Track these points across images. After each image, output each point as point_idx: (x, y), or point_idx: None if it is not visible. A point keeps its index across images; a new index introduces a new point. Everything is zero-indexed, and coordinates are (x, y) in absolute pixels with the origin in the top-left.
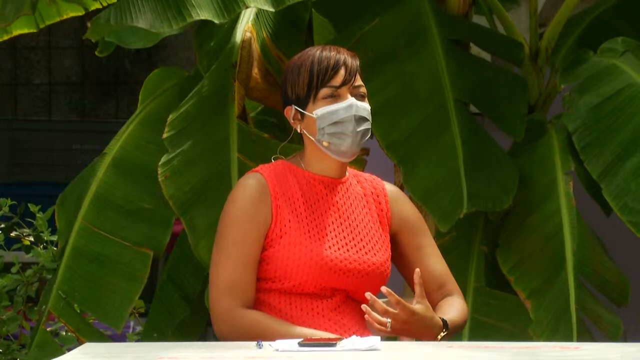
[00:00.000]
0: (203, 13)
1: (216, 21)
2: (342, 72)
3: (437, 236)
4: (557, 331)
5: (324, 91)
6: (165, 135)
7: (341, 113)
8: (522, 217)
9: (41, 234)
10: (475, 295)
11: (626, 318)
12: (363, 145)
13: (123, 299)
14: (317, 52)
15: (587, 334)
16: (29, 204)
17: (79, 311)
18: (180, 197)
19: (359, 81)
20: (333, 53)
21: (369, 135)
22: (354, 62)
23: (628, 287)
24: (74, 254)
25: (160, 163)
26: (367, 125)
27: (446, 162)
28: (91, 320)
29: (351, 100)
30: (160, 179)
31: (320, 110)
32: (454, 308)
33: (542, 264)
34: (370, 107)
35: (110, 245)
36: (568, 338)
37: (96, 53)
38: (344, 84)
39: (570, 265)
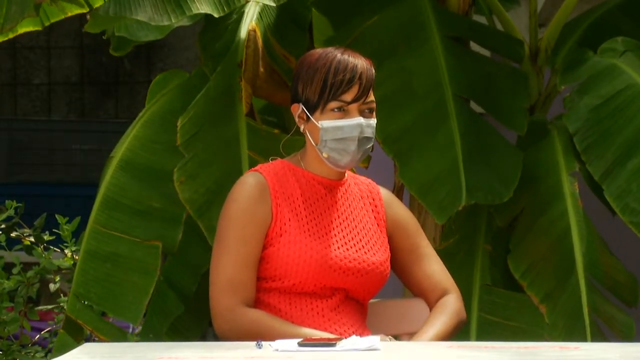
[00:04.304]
0: (202, 7)
1: (215, 15)
2: (355, 88)
3: (442, 238)
4: (572, 334)
5: (334, 104)
6: (179, 142)
7: (346, 131)
8: (530, 220)
9: (42, 234)
10: (481, 294)
11: (634, 317)
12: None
13: (138, 293)
14: (335, 59)
15: (600, 336)
16: (56, 215)
17: (95, 310)
18: (196, 200)
19: (371, 97)
20: (351, 65)
21: (369, 152)
22: (370, 75)
23: (637, 287)
24: (86, 257)
25: (175, 169)
26: (370, 144)
27: (444, 156)
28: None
29: (359, 119)
30: (175, 185)
31: (326, 123)
32: (443, 316)
33: (553, 267)
34: (375, 122)
35: (122, 244)
36: (583, 340)
37: (110, 51)
38: (355, 100)
39: (580, 268)
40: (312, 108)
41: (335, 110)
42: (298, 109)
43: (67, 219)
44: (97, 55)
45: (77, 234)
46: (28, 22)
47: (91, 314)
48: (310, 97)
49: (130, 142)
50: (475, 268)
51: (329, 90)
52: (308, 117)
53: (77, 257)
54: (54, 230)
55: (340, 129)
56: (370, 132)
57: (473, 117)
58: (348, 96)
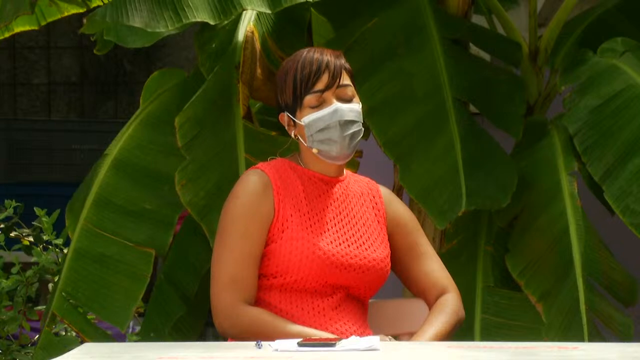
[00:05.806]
0: (199, 14)
1: (212, 23)
2: (325, 76)
3: (446, 240)
4: (569, 333)
5: (309, 98)
6: (180, 144)
7: (326, 119)
8: (529, 220)
9: (41, 234)
10: (484, 296)
11: (633, 318)
12: (357, 146)
13: (127, 298)
14: (301, 57)
15: (598, 335)
16: (35, 208)
17: (82, 312)
18: (197, 204)
19: (345, 80)
20: (316, 56)
21: (360, 136)
22: (337, 62)
23: (635, 287)
24: (76, 255)
25: (177, 171)
26: (356, 128)
27: (444, 160)
28: (93, 320)
29: (336, 105)
30: (177, 188)
31: (306, 118)
32: (442, 315)
33: (551, 266)
34: (360, 106)
35: (113, 246)
36: (580, 340)
37: (94, 51)
38: (327, 88)
39: (578, 267)
40: (293, 110)
41: (313, 103)
42: (284, 118)
43: (45, 210)
44: (97, 55)
45: (58, 228)
46: (25, 21)
47: (78, 314)
48: (288, 101)
49: (125, 141)
50: (478, 270)
51: (300, 85)
52: (294, 121)
53: (59, 251)
54: (32, 223)
55: (321, 119)
56: (353, 116)
57: (472, 121)
58: (320, 85)
